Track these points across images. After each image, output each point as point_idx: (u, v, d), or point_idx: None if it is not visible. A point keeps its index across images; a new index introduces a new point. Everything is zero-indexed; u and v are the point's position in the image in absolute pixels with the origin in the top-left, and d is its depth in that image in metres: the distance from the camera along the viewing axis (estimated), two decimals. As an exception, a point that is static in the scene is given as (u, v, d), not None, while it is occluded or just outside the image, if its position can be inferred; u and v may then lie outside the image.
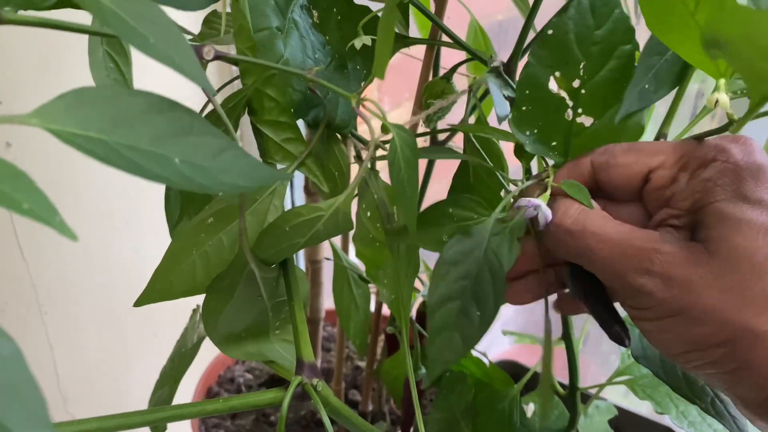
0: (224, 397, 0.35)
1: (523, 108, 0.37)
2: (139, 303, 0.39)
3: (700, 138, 0.34)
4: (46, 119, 0.22)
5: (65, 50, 0.69)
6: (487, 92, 0.52)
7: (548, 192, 0.36)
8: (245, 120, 0.39)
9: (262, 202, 0.37)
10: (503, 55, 0.46)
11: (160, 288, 0.38)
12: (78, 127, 0.22)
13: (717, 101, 0.32)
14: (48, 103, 0.22)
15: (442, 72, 0.54)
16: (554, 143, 0.38)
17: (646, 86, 0.36)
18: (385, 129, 0.34)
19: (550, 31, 0.36)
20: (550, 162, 0.38)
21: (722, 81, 0.33)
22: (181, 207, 0.43)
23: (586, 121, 0.37)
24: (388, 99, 0.99)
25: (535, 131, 0.37)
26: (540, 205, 0.34)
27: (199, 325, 0.51)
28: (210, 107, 0.40)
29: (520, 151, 0.39)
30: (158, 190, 0.40)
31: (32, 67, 0.69)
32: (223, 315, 0.38)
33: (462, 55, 0.48)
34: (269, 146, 0.37)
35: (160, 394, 0.49)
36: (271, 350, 0.41)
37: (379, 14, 0.40)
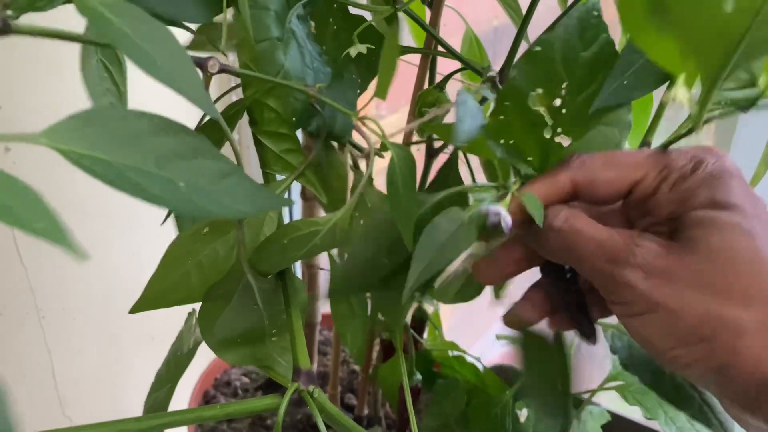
0: (221, 404, 0.35)
1: (501, 117, 0.37)
2: (134, 310, 0.39)
3: (671, 143, 0.36)
4: (54, 139, 0.22)
5: (64, 52, 0.69)
6: (483, 100, 0.52)
7: (508, 198, 0.36)
8: (246, 128, 0.39)
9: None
10: (499, 62, 0.46)
11: (154, 296, 0.39)
12: (84, 148, 0.23)
13: (675, 96, 0.33)
14: (57, 123, 0.23)
15: (438, 78, 0.54)
16: (530, 158, 0.37)
17: (625, 82, 0.36)
18: (383, 147, 0.35)
19: (538, 48, 0.36)
20: (522, 172, 0.38)
21: (682, 75, 0.32)
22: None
23: (565, 141, 0.37)
24: (386, 104, 1.00)
25: (511, 142, 0.37)
26: (500, 212, 0.35)
27: (195, 329, 0.52)
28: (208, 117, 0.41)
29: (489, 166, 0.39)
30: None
31: (31, 70, 0.69)
32: (220, 322, 0.39)
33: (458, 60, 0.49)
34: (269, 156, 0.37)
35: (155, 397, 0.49)
36: (268, 356, 0.41)
37: (374, 23, 0.40)
